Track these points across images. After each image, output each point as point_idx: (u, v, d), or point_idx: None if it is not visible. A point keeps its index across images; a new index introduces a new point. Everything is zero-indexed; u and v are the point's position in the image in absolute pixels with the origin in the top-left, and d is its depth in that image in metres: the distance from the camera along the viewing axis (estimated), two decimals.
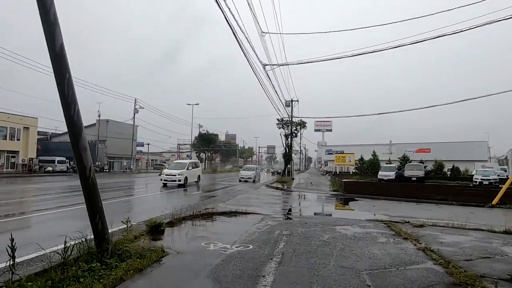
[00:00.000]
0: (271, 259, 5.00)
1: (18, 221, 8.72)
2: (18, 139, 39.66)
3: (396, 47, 11.41)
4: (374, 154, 44.46)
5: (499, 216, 11.87)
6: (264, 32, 12.97)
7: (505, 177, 35.94)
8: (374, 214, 10.98)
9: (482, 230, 7.85)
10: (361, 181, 25.45)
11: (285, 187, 22.87)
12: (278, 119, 34.57)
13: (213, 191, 19.28)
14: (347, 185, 19.18)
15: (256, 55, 12.80)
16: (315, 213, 11.85)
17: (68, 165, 41.88)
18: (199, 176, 23.99)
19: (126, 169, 56.54)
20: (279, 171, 46.38)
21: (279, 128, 35.61)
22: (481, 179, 26.33)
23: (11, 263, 3.47)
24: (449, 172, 40.26)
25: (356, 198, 16.32)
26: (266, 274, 4.32)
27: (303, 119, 37.67)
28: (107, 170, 51.34)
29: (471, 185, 25.37)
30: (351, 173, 45.14)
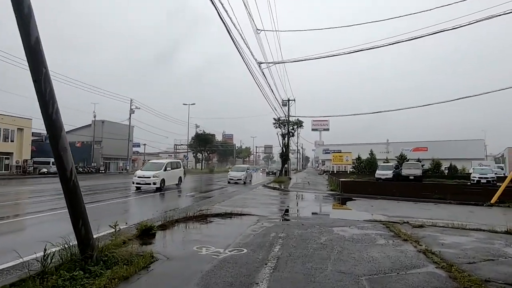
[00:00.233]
0: (266, 264, 4.76)
1: (5, 225, 8.42)
2: (12, 141, 39.16)
3: (394, 43, 11.25)
4: (371, 153, 44.36)
5: (499, 215, 11.71)
6: (259, 30, 12.77)
7: (503, 175, 36.02)
8: (372, 214, 10.77)
9: (483, 230, 7.65)
10: (358, 180, 25.30)
11: (282, 187, 22.65)
12: (275, 119, 34.39)
13: (204, 193, 18.92)
14: (344, 184, 18.98)
15: (251, 53, 12.58)
16: (312, 214, 11.64)
17: None
18: (180, 178, 21.08)
19: (122, 170, 56.11)
20: (275, 171, 45.70)
21: (276, 128, 35.45)
22: (479, 177, 26.24)
23: None
24: (446, 171, 40.25)
25: (353, 198, 16.12)
26: (260, 281, 4.07)
27: (300, 119, 37.57)
28: (103, 171, 50.90)
29: (469, 183, 25.28)
30: (348, 172, 45.03)
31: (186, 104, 56.29)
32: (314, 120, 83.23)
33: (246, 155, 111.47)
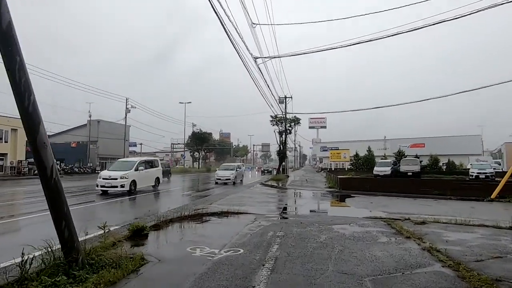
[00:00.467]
0: (263, 265, 4.49)
1: None
2: (6, 141, 38.63)
3: (393, 35, 10.98)
4: (369, 150, 44.18)
5: (500, 210, 11.52)
6: (254, 24, 12.46)
7: (500, 170, 35.98)
8: (372, 211, 10.55)
9: (487, 226, 7.43)
10: (357, 177, 25.11)
11: (280, 185, 22.41)
12: (271, 116, 34.11)
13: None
14: (343, 181, 18.76)
15: (246, 47, 12.29)
16: (311, 212, 11.39)
17: (59, 167, 41.01)
18: (157, 179, 18.08)
19: None
20: (270, 169, 44.74)
21: (273, 125, 35.18)
22: (477, 172, 26.10)
23: None
24: (444, 167, 40.16)
25: (352, 195, 15.89)
26: (257, 284, 3.81)
27: (297, 116, 37.28)
28: (99, 171, 50.38)
29: (467, 179, 25.16)
30: (346, 169, 44.85)
31: (182, 103, 55.93)
32: (311, 118, 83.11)
33: (244, 153, 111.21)
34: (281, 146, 35.56)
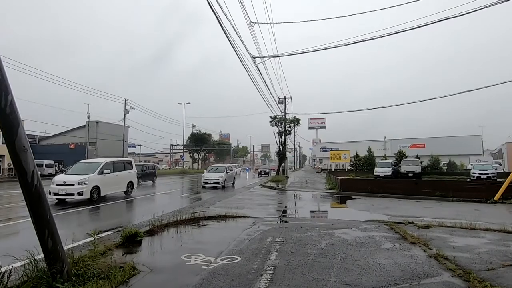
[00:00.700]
0: (261, 276, 4.22)
1: None
2: (3, 143, 38.23)
3: (395, 33, 10.69)
4: (369, 150, 43.88)
5: (505, 212, 11.28)
6: (253, 22, 12.21)
7: (502, 170, 35.74)
8: (374, 214, 10.28)
9: (494, 230, 7.16)
10: (357, 178, 24.86)
11: (280, 186, 22.15)
12: (271, 117, 33.81)
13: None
14: (343, 182, 18.50)
15: (245, 46, 12.02)
16: (311, 215, 11.13)
17: (57, 169, 40.78)
18: (131, 183, 15.27)
19: None
20: (267, 170, 43.11)
21: (272, 126, 34.87)
22: (479, 173, 25.85)
23: None
24: (445, 167, 39.91)
25: (353, 196, 15.63)
26: None
27: (297, 116, 36.99)
28: None
29: (468, 179, 24.91)
30: (346, 170, 44.59)
31: (181, 104, 55.51)
32: (311, 118, 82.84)
33: (243, 154, 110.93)
34: (281, 147, 35.28)
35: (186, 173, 51.26)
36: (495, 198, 13.40)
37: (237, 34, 10.58)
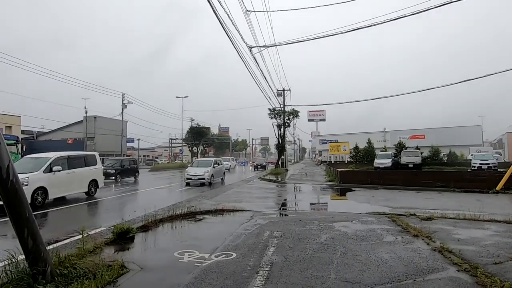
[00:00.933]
0: (257, 273, 4.00)
1: None
2: None
3: (395, 19, 10.34)
4: (369, 142, 43.62)
5: (508, 203, 11.09)
6: (249, 11, 11.81)
7: (502, 160, 35.57)
8: (374, 206, 10.08)
9: (499, 221, 6.96)
10: (357, 170, 24.64)
11: (279, 179, 21.94)
12: (269, 109, 33.41)
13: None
14: (343, 174, 18.29)
15: (241, 36, 11.64)
16: (310, 208, 10.92)
17: None
18: (94, 182, 13.01)
19: None
20: (264, 163, 41.73)
21: (271, 119, 34.46)
22: (480, 163, 25.66)
23: None
24: (445, 158, 39.73)
25: (353, 188, 15.43)
26: None
27: (296, 109, 36.59)
28: None
29: (469, 170, 24.73)
30: (346, 162, 44.39)
31: (179, 97, 55.09)
32: (310, 111, 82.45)
33: (243, 147, 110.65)
34: (280, 140, 34.96)
35: (185, 167, 51.05)
36: (497, 188, 13.22)
37: (232, 22, 10.23)
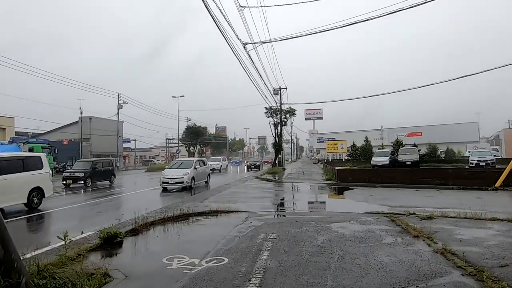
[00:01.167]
0: (249, 281, 3.75)
1: None
2: None
3: (392, 12, 10.11)
4: (366, 140, 43.50)
5: (509, 200, 10.94)
6: (242, 6, 11.55)
7: (500, 157, 35.52)
8: (373, 205, 9.85)
9: (501, 220, 6.75)
10: (354, 168, 24.44)
11: (276, 178, 21.69)
12: (266, 108, 33.20)
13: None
14: (340, 173, 18.08)
15: (234, 32, 11.37)
16: (307, 207, 10.68)
17: None
18: (38, 190, 10.40)
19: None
20: (258, 163, 40.51)
21: (268, 117, 34.26)
22: (478, 160, 25.52)
23: None
24: (443, 155, 39.66)
25: (351, 187, 15.22)
26: None
27: (293, 107, 36.37)
28: None
29: (467, 167, 24.61)
30: (343, 160, 44.27)
31: (175, 97, 54.67)
32: (307, 109, 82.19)
33: (240, 147, 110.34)
34: (277, 138, 34.74)
35: None
36: (496, 185, 13.05)
37: (225, 18, 9.96)
